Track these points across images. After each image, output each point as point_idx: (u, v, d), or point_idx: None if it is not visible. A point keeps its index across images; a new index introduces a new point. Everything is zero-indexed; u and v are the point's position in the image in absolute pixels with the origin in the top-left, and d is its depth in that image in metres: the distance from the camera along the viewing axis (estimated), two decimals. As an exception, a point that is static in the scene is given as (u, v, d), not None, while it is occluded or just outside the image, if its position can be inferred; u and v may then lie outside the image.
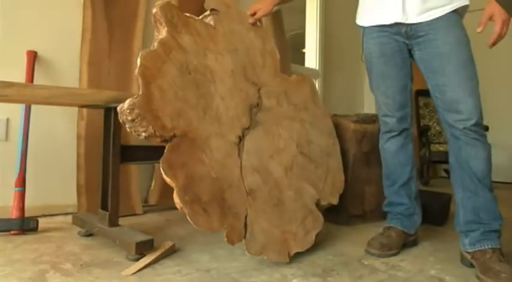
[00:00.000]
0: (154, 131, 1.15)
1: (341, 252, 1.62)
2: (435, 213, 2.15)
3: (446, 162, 4.33)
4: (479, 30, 1.41)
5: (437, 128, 4.39)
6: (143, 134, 1.15)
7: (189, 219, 1.13)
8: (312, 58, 3.65)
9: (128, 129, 1.16)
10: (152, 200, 2.32)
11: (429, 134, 4.26)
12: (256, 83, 1.66)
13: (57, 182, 2.11)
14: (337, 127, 2.12)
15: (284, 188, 1.57)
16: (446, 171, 4.54)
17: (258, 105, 1.62)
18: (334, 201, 1.83)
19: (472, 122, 1.46)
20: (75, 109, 2.12)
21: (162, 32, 1.34)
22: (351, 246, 1.72)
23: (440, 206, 2.17)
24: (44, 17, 2.11)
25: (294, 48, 5.83)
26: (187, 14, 1.46)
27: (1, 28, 1.99)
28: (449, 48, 1.50)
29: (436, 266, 1.50)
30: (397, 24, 1.58)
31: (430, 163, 4.17)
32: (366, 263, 1.51)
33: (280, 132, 1.68)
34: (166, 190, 2.32)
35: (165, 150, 1.15)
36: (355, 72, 4.23)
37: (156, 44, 1.28)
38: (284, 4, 1.91)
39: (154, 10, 1.34)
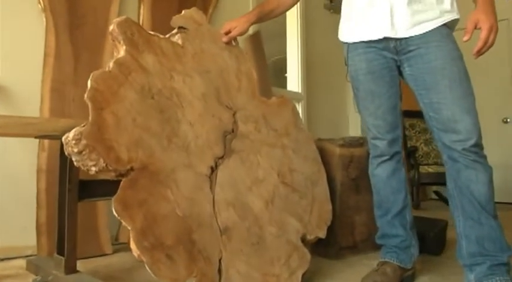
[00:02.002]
0: (107, 165, 0.97)
1: (331, 293, 1.44)
2: (431, 241, 1.98)
3: (436, 183, 4.15)
4: (465, 38, 1.29)
5: (425, 149, 4.29)
6: (93, 168, 0.98)
7: (148, 269, 0.95)
8: (294, 81, 3.54)
9: (75, 163, 0.99)
10: (123, 238, 2.11)
11: (417, 155, 4.14)
12: (231, 106, 1.51)
13: (15, 221, 1.89)
14: (322, 152, 1.97)
15: (265, 224, 1.39)
16: (437, 193, 4.41)
17: (233, 131, 1.47)
18: (322, 234, 1.65)
19: (472, 142, 1.32)
20: (36, 140, 1.93)
21: (121, 51, 1.19)
22: (342, 285, 1.55)
23: (436, 233, 2.01)
24: (2, 42, 1.94)
25: (277, 73, 5.75)
26: (151, 32, 1.31)
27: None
28: (442, 62, 1.37)
29: (438, 306, 1.32)
30: (385, 39, 1.46)
31: (420, 185, 4.04)
32: (359, 306, 1.33)
33: (259, 161, 1.51)
34: (139, 226, 2.12)
35: (120, 187, 0.98)
36: (339, 94, 4.14)
37: (111, 64, 1.12)
38: (261, 22, 1.79)
39: (111, 27, 1.20)
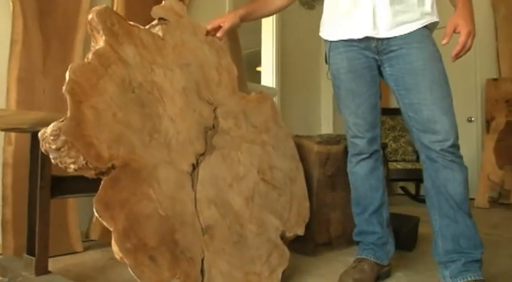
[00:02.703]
0: (87, 162, 0.92)
1: (311, 291, 1.45)
2: (404, 238, 2.03)
3: (404, 179, 4.23)
4: (444, 42, 1.31)
5: (394, 145, 4.39)
6: (72, 166, 0.92)
7: (131, 272, 0.91)
8: (268, 76, 3.53)
9: (53, 161, 0.93)
10: (94, 235, 2.04)
11: (385, 152, 4.24)
12: (212, 102, 1.47)
13: (-23, 219, 1.79)
14: (300, 149, 1.96)
15: (245, 221, 1.37)
16: (403, 188, 4.53)
17: (214, 127, 1.43)
18: (300, 231, 1.65)
19: (449, 143, 1.35)
20: (1, 132, 1.82)
21: (100, 42, 1.13)
22: (320, 280, 1.55)
23: (409, 230, 2.06)
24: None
25: (248, 66, 5.73)
26: (131, 22, 1.26)
27: None
28: (423, 64, 1.39)
29: (415, 303, 1.35)
30: (367, 38, 1.46)
31: (388, 181, 4.14)
32: (339, 304, 1.33)
33: (240, 157, 1.49)
34: (111, 223, 2.05)
35: (101, 186, 0.93)
36: (312, 90, 4.15)
37: (90, 55, 1.06)
38: (248, 21, 1.77)
39: (90, 16, 1.13)
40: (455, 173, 1.37)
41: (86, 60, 1.05)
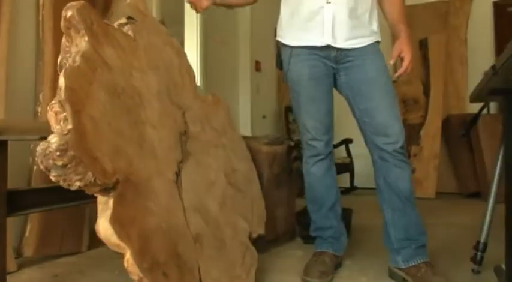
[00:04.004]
0: (95, 179, 0.85)
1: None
2: (343, 229, 2.20)
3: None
4: (392, 62, 1.57)
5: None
6: (77, 183, 0.84)
7: (150, 292, 0.86)
8: (192, 73, 3.46)
9: (53, 178, 0.83)
10: (28, 251, 1.82)
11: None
12: (181, 106, 1.43)
13: None
14: (249, 150, 2.00)
15: (223, 226, 1.38)
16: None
17: (185, 132, 1.40)
18: (262, 231, 1.70)
19: (400, 144, 1.52)
20: None
21: (80, 43, 1.02)
22: (282, 275, 1.64)
23: (346, 221, 2.24)
24: None
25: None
26: (106, 21, 1.16)
27: None
28: (375, 74, 1.55)
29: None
30: (327, 47, 1.56)
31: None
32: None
33: (209, 162, 1.48)
34: (46, 236, 1.85)
35: (112, 204, 0.86)
36: (232, 91, 4.14)
37: (78, 58, 0.96)
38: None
39: (69, 13, 1.01)
40: (403, 171, 1.55)
41: (72, 63, 0.95)
